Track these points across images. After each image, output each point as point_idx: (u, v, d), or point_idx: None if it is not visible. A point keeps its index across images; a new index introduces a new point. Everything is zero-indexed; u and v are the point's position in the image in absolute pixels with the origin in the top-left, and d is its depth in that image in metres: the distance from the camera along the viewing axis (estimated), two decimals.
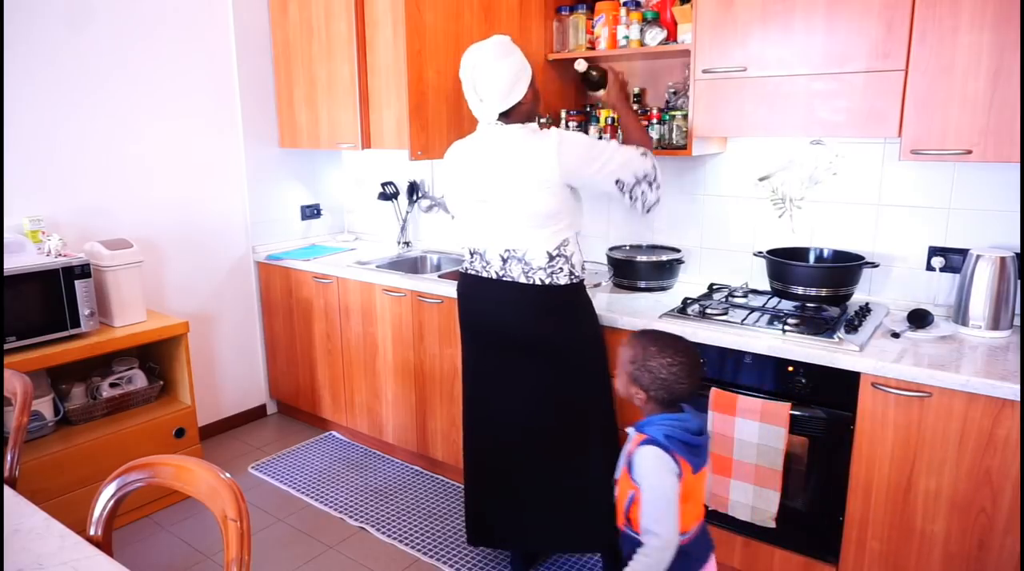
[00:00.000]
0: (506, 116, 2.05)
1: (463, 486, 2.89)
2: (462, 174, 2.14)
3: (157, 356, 2.94)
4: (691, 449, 1.49)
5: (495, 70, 1.99)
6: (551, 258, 2.03)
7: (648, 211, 2.10)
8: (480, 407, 2.25)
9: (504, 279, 2.07)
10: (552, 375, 2.09)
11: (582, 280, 2.11)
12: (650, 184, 2.06)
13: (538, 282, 2.04)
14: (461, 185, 2.14)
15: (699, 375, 1.56)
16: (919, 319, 2.06)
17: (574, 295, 2.10)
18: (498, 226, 2.06)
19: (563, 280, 2.05)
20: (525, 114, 2.07)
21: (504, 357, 2.14)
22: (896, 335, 2.01)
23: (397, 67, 2.99)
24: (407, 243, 3.51)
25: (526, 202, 1.99)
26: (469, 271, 2.18)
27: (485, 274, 2.12)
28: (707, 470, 1.56)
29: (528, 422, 2.14)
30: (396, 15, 2.77)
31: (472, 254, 2.17)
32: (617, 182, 2.03)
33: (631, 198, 2.07)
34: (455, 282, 2.77)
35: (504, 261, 2.07)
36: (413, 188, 3.46)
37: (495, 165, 2.04)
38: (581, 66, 2.27)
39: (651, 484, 1.45)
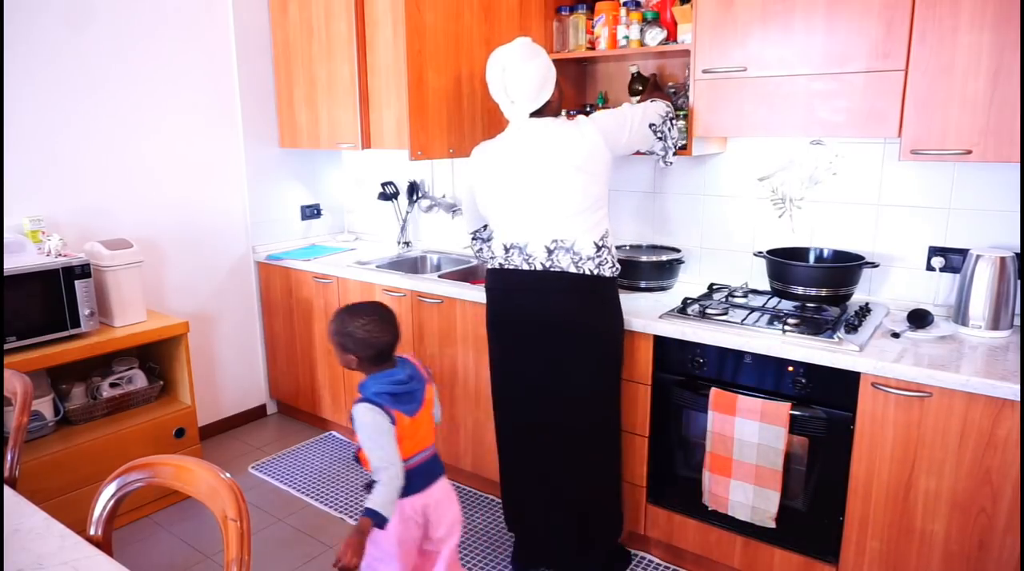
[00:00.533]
0: (536, 114, 2.10)
1: (465, 485, 2.90)
2: (496, 171, 2.14)
3: (157, 356, 2.94)
4: (401, 398, 1.76)
5: (525, 71, 2.04)
6: (598, 249, 2.06)
7: (674, 150, 2.20)
8: (516, 404, 2.23)
9: (552, 270, 2.06)
10: (592, 366, 2.11)
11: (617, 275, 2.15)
12: (672, 119, 2.18)
13: (587, 272, 2.05)
14: (496, 182, 2.14)
15: (393, 324, 1.81)
16: (919, 319, 2.06)
17: (615, 289, 2.13)
18: (542, 217, 2.06)
19: (607, 272, 2.07)
20: (553, 111, 2.13)
21: (540, 350, 2.12)
22: (896, 335, 2.02)
23: (397, 67, 2.99)
24: (407, 243, 3.51)
25: (572, 187, 2.02)
26: (507, 266, 2.15)
27: (527, 267, 2.10)
28: (425, 411, 1.83)
29: (565, 416, 2.15)
30: (396, 15, 2.77)
31: (508, 249, 2.14)
32: (651, 126, 2.12)
33: (665, 139, 2.16)
34: (455, 282, 2.78)
35: (550, 252, 2.06)
36: (413, 188, 3.46)
37: (534, 156, 2.06)
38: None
39: (366, 435, 1.72)
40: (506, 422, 2.30)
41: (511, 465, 2.33)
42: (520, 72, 2.04)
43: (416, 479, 1.81)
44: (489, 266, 2.22)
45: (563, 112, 2.18)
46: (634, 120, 2.11)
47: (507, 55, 2.07)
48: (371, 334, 1.77)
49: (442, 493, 1.89)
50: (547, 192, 2.05)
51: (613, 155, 2.09)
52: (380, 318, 1.79)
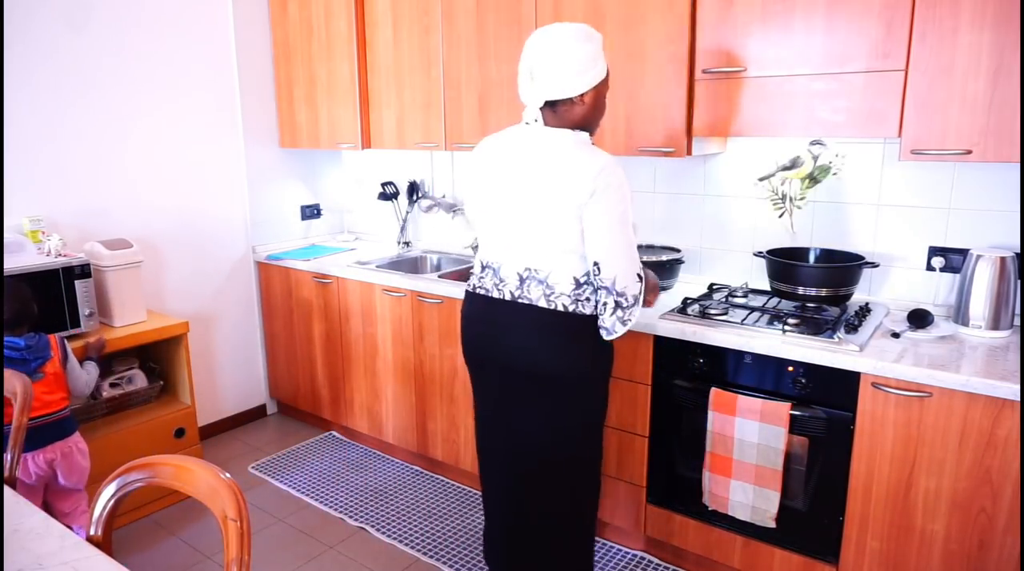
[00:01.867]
0: (552, 112, 1.74)
1: (464, 485, 2.90)
2: (488, 174, 1.84)
3: (157, 356, 2.94)
4: (12, 362, 2.12)
5: (567, 49, 1.66)
6: (578, 285, 1.76)
7: (608, 332, 1.77)
8: (484, 435, 2.03)
9: (520, 301, 1.79)
10: (555, 409, 1.84)
11: None
12: (617, 305, 1.73)
13: (560, 308, 1.75)
14: (485, 187, 1.84)
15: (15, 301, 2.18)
16: (919, 319, 2.06)
17: (591, 329, 1.80)
18: (520, 241, 1.78)
19: (588, 309, 1.77)
20: (575, 120, 1.75)
21: (507, 387, 1.88)
22: (896, 335, 2.02)
23: (397, 67, 3.00)
24: (407, 243, 3.51)
25: (558, 225, 1.70)
26: (478, 290, 1.90)
27: (496, 294, 1.84)
28: (45, 382, 2.19)
29: (523, 454, 1.92)
30: (398, 15, 2.77)
31: (484, 268, 1.89)
32: (594, 264, 1.72)
33: (592, 286, 1.77)
34: (455, 282, 2.78)
35: (522, 281, 1.79)
36: (413, 188, 3.46)
37: (531, 172, 1.73)
38: None
39: None
40: (480, 453, 2.08)
41: (486, 498, 2.12)
42: (561, 46, 1.66)
43: (39, 436, 2.15)
44: (467, 288, 1.98)
45: (589, 134, 1.79)
46: (617, 241, 1.69)
47: (559, 27, 1.70)
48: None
49: (69, 449, 2.25)
50: (532, 215, 1.73)
51: (579, 220, 1.70)
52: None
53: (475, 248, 2.17)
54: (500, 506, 2.05)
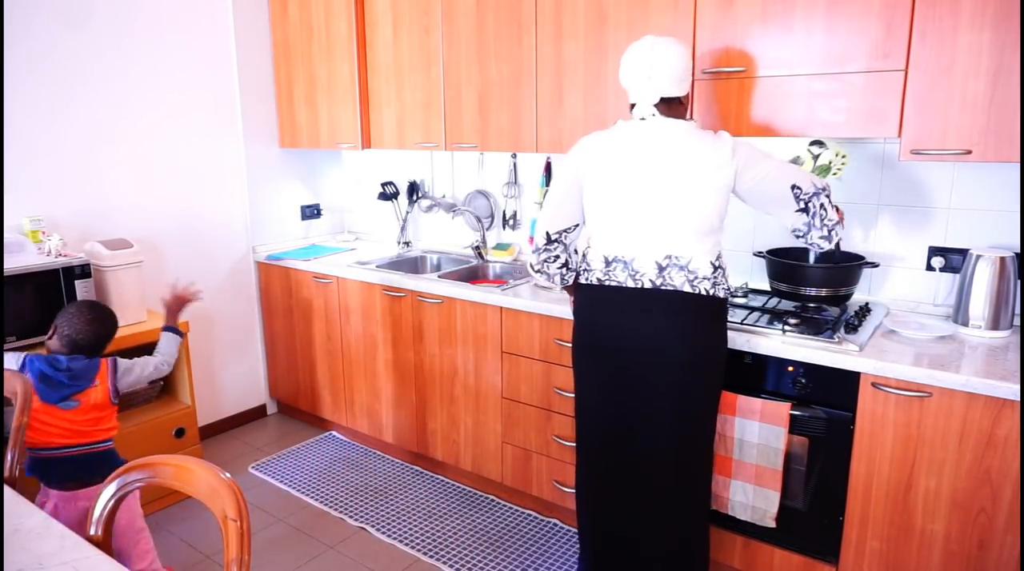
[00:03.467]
0: (667, 109, 1.88)
1: (464, 485, 2.90)
2: (611, 168, 1.89)
3: None
4: (46, 379, 1.93)
5: (673, 52, 1.85)
6: (715, 269, 1.86)
7: (830, 238, 1.88)
8: (608, 436, 1.98)
9: (663, 288, 1.85)
10: (696, 392, 1.89)
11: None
12: (829, 198, 1.87)
13: (703, 292, 1.84)
14: (609, 181, 1.89)
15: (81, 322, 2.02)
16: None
17: (726, 311, 1.93)
18: (657, 230, 1.85)
19: (722, 293, 1.89)
20: (682, 114, 1.92)
21: (642, 375, 1.89)
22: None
23: (397, 67, 3.00)
24: (407, 243, 3.51)
25: (698, 207, 1.81)
26: (607, 282, 1.91)
27: (632, 284, 1.87)
28: (63, 410, 1.96)
29: (658, 448, 1.92)
30: (398, 15, 2.77)
31: (610, 263, 1.90)
32: (794, 188, 1.84)
33: (808, 211, 1.85)
34: (455, 282, 2.78)
35: (662, 269, 1.85)
36: (413, 188, 3.46)
37: (662, 161, 1.83)
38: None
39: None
40: (596, 458, 2.03)
41: (597, 506, 2.06)
42: (667, 50, 1.84)
43: (68, 470, 1.97)
44: (582, 281, 1.98)
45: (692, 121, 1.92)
46: (778, 169, 1.85)
47: (657, 38, 1.87)
48: (77, 331, 2.02)
49: (80, 501, 1.97)
50: (668, 203, 1.82)
51: (734, 188, 1.85)
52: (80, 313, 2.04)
53: (561, 243, 2.03)
54: (626, 515, 2.01)
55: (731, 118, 2.20)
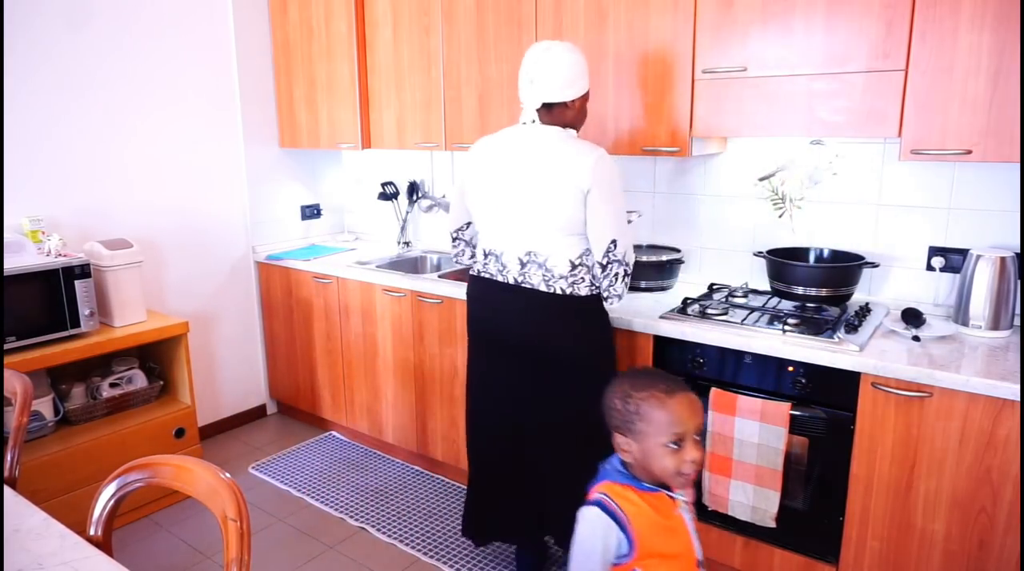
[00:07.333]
0: (548, 113, 1.97)
1: (465, 486, 2.90)
2: (488, 169, 2.04)
3: (157, 356, 2.94)
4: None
5: (560, 58, 1.93)
6: (573, 267, 1.96)
7: (608, 299, 1.99)
8: (483, 414, 2.20)
9: (523, 286, 1.99)
10: (562, 383, 2.01)
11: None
12: (626, 274, 1.97)
13: (559, 291, 1.96)
14: (486, 180, 2.05)
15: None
16: (913, 317, 2.07)
17: (594, 305, 2.01)
18: (521, 227, 1.98)
19: (584, 290, 1.97)
20: (566, 121, 2.00)
21: (512, 363, 2.06)
22: (917, 338, 2.01)
23: (397, 67, 3.00)
24: (407, 243, 3.51)
25: (558, 207, 1.91)
26: (483, 274, 2.10)
27: (500, 278, 2.04)
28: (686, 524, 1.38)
29: (532, 427, 2.08)
30: (398, 15, 2.77)
31: (487, 255, 2.08)
32: (611, 242, 1.92)
33: (605, 269, 1.95)
34: (455, 282, 2.78)
35: (523, 265, 1.99)
36: (413, 188, 3.46)
37: (529, 163, 1.95)
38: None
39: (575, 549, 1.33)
40: (477, 431, 2.24)
41: (478, 472, 2.28)
42: (555, 57, 1.92)
43: None
44: (471, 271, 2.18)
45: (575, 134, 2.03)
46: (610, 216, 1.90)
47: (552, 42, 1.97)
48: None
49: None
50: (532, 203, 1.94)
51: (579, 203, 1.90)
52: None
53: (463, 240, 2.29)
54: (500, 475, 2.20)
55: (731, 118, 2.20)
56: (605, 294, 1.99)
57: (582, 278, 1.96)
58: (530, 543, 2.30)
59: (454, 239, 2.29)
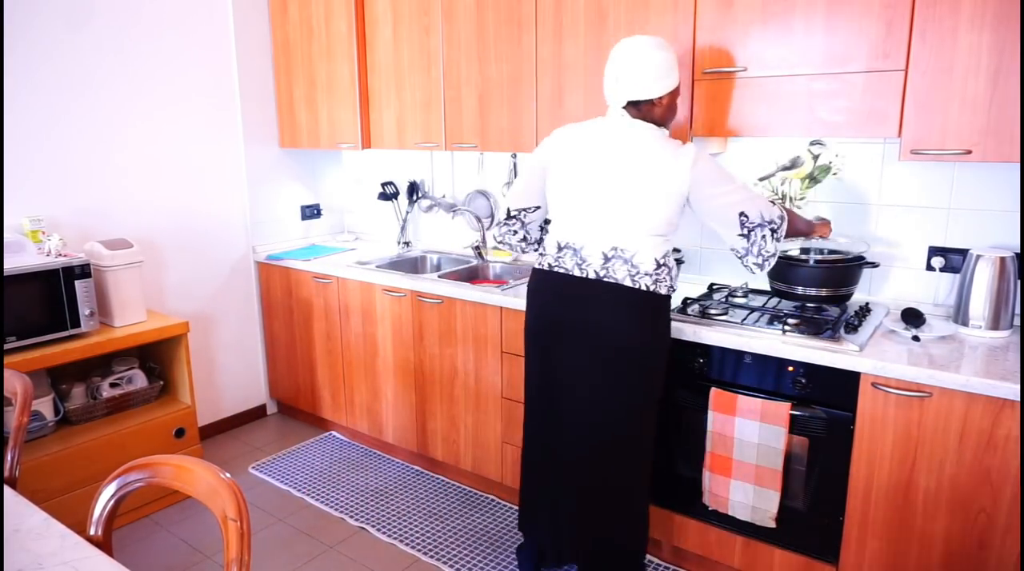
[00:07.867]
0: (636, 111, 1.95)
1: (466, 486, 2.90)
2: (576, 161, 1.98)
3: (157, 356, 2.94)
4: None
5: (647, 56, 1.90)
6: (658, 266, 1.93)
7: (762, 266, 1.95)
8: (548, 412, 2.10)
9: (605, 280, 1.93)
10: (631, 381, 1.97)
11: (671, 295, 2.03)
12: (773, 232, 1.92)
13: (643, 288, 1.92)
14: (572, 172, 1.98)
15: None
16: (914, 317, 2.07)
17: (667, 306, 1.99)
18: (608, 224, 1.93)
19: (664, 290, 1.95)
20: (655, 119, 1.97)
21: (581, 360, 1.98)
22: (917, 338, 2.01)
23: (397, 67, 3.00)
24: (407, 243, 3.51)
25: (652, 210, 1.89)
26: (555, 268, 2.02)
27: (579, 273, 1.97)
28: None
29: (594, 429, 2.01)
30: (398, 15, 2.77)
31: (561, 249, 2.01)
32: (741, 214, 1.90)
33: (749, 239, 1.92)
34: (455, 282, 2.78)
35: (607, 259, 1.93)
36: (413, 188, 3.46)
37: (621, 161, 1.91)
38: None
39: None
40: (535, 430, 2.16)
41: (533, 473, 2.21)
42: (641, 54, 1.89)
43: None
44: (536, 265, 2.09)
45: (666, 131, 2.01)
46: (740, 190, 1.91)
47: (639, 39, 1.93)
48: None
49: None
50: (621, 199, 1.90)
51: (686, 203, 1.93)
52: None
53: (520, 221, 2.20)
54: (554, 475, 2.12)
55: (731, 118, 2.20)
56: (758, 261, 1.94)
57: (664, 278, 1.95)
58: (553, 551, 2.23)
59: (511, 216, 2.19)
